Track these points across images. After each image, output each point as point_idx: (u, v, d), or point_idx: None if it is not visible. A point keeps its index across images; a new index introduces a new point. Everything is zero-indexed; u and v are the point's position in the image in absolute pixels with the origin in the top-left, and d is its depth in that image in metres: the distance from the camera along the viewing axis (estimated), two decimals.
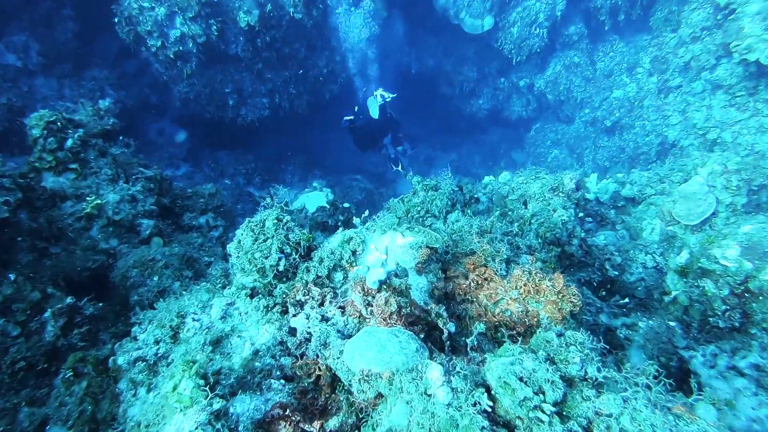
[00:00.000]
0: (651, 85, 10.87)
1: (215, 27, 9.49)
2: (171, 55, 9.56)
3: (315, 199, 6.49)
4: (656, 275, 5.08)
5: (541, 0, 11.68)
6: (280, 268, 3.38)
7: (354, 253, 3.45)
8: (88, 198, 4.99)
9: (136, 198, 5.40)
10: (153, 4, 9.13)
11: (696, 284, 4.29)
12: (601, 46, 12.79)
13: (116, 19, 9.31)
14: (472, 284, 3.42)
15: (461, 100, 14.36)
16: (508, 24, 12.06)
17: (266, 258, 3.37)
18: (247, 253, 3.42)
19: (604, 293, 5.14)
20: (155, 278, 4.50)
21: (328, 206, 6.42)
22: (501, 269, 3.50)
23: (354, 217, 5.21)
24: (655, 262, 5.14)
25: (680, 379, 4.22)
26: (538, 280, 3.29)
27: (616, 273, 5.16)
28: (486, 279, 3.43)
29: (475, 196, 6.15)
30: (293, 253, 3.44)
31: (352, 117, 10.47)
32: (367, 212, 4.17)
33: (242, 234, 3.53)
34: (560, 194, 5.18)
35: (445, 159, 15.93)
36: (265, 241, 3.43)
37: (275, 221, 3.48)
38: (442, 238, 3.48)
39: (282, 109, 11.69)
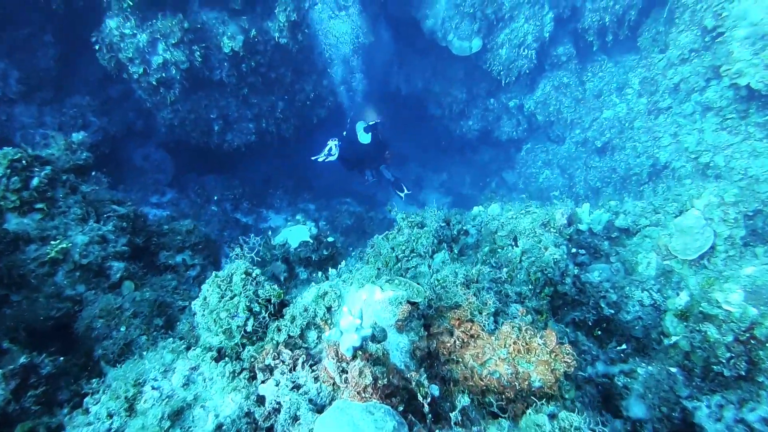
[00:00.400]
0: (641, 106, 10.69)
1: (198, 53, 9.25)
2: (153, 82, 9.29)
3: (298, 233, 6.19)
4: (654, 314, 4.79)
5: (529, 21, 11.53)
6: (248, 329, 3.07)
7: (329, 309, 3.15)
8: (53, 241, 4.67)
9: (106, 238, 5.08)
10: (135, 31, 8.88)
11: (697, 329, 4.01)
12: (590, 66, 12.64)
13: (97, 47, 9.05)
14: (457, 342, 3.12)
15: (451, 121, 14.16)
16: (497, 45, 11.89)
17: (233, 318, 3.06)
18: (213, 312, 3.11)
19: (599, 333, 4.85)
20: (122, 329, 4.17)
21: (311, 241, 6.11)
22: (488, 324, 3.20)
23: (330, 269, 4.92)
24: (653, 300, 4.86)
25: None
26: (529, 338, 3.00)
27: (612, 311, 4.87)
28: (472, 336, 3.13)
29: (464, 228, 5.88)
30: (263, 311, 3.13)
31: (337, 143, 9.58)
32: (344, 263, 3.87)
33: (208, 290, 3.22)
34: (552, 230, 4.90)
35: (436, 179, 15.71)
36: (232, 298, 3.12)
37: (243, 276, 3.18)
38: (424, 291, 3.18)
39: (269, 133, 11.42)
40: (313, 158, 9.23)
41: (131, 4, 8.63)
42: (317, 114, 11.80)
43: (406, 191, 10.83)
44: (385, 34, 13.17)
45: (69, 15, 9.56)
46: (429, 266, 4.34)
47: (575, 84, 12.48)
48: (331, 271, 3.62)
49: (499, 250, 4.98)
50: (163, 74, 9.26)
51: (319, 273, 4.99)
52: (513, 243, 4.94)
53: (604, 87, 12.30)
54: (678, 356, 4.16)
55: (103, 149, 10.49)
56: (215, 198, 12.04)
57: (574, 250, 5.22)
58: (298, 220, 6.40)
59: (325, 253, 6.16)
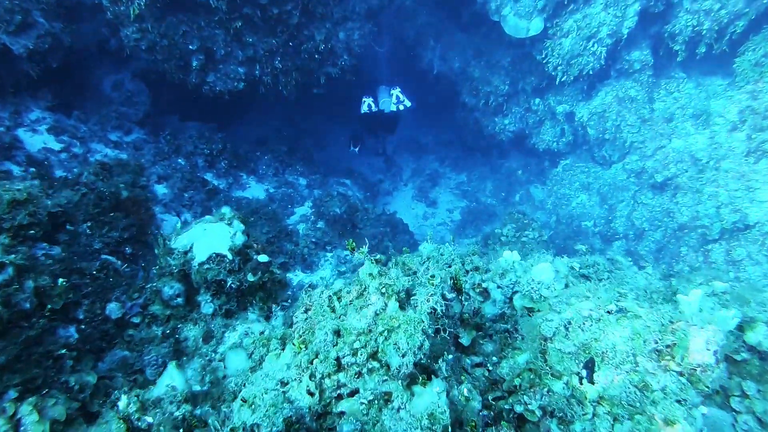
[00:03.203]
0: (736, 143, 7.81)
1: None
2: None
3: (213, 235, 3.53)
4: None
5: (608, 10, 8.63)
6: None
7: None
8: None
9: None
10: None
11: None
12: (665, 82, 9.75)
13: None
14: None
15: (484, 115, 11.32)
16: (561, 32, 9.01)
17: None
18: None
19: None
20: None
21: (229, 256, 3.45)
22: None
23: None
24: None
25: None
26: None
27: None
28: None
29: (485, 286, 3.24)
30: None
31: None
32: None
33: None
34: (673, 366, 2.19)
35: (453, 179, 12.92)
36: None
37: None
38: None
39: (263, 84, 8.71)
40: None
41: None
42: (326, 72, 9.02)
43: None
44: None
45: None
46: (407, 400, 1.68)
47: (643, 100, 9.61)
48: None
49: (549, 378, 2.29)
50: None
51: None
52: (584, 372, 2.24)
53: (677, 111, 9.43)
54: None
55: (51, 61, 7.82)
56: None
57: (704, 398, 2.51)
58: (223, 214, 3.72)
59: (251, 279, 3.50)
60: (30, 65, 7.54)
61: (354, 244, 2.45)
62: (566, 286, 3.32)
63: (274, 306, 3.40)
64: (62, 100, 8.48)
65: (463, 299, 2.72)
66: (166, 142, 9.16)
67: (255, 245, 3.63)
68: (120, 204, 6.15)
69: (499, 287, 3.36)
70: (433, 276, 2.27)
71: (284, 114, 12.15)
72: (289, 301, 4.12)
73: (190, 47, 7.74)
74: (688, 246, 8.16)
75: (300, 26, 8.10)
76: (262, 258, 3.52)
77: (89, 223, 5.83)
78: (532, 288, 3.06)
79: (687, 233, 8.46)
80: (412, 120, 13.02)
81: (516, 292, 3.28)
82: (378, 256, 2.45)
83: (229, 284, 3.46)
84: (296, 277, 6.97)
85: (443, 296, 2.39)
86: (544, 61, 9.43)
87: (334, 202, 8.90)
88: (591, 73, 9.22)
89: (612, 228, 10.03)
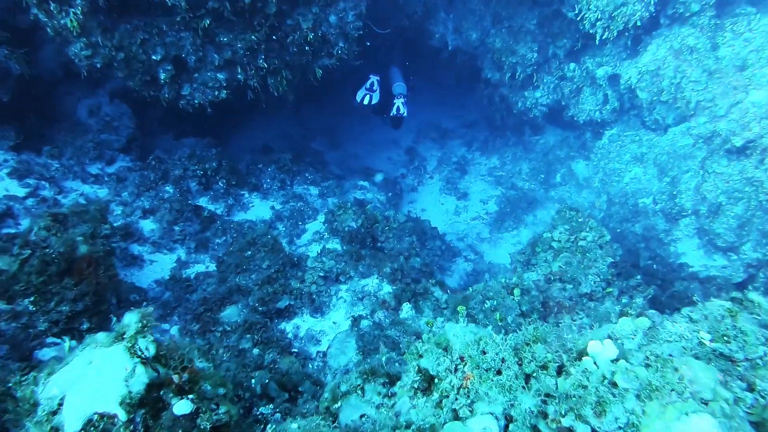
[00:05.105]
0: None
1: None
2: None
3: (100, 374, 2.03)
4: None
5: None
6: None
7: None
8: None
9: None
10: None
11: None
12: (730, 23, 7.73)
13: None
14: None
15: (512, 90, 9.50)
16: None
17: None
18: None
19: None
20: None
21: (122, 413, 1.95)
22: None
23: None
24: None
25: None
26: None
27: None
28: None
29: (566, 425, 1.64)
30: None
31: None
32: None
33: None
34: None
35: (483, 164, 11.15)
36: None
37: None
38: None
39: (249, 88, 7.19)
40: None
41: None
42: (322, 64, 7.42)
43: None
44: None
45: None
46: None
47: (706, 48, 7.63)
48: None
49: None
50: None
51: None
52: None
53: (751, 55, 7.44)
54: None
55: (0, 96, 6.53)
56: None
57: None
58: (125, 327, 2.20)
59: None
60: None
61: None
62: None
63: None
64: (29, 136, 7.21)
65: None
66: (151, 169, 7.77)
67: (174, 378, 2.12)
68: (73, 266, 4.80)
69: None
70: None
71: (290, 114, 10.64)
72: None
73: (154, 57, 6.26)
74: None
75: (281, 15, 6.50)
76: (181, 408, 2.01)
77: (32, 298, 4.51)
78: None
79: None
80: (432, 104, 11.36)
81: None
82: None
83: None
84: (304, 323, 5.49)
85: None
86: (578, 18, 7.55)
87: (348, 215, 7.35)
88: (639, 24, 7.30)
89: (677, 204, 8.17)
